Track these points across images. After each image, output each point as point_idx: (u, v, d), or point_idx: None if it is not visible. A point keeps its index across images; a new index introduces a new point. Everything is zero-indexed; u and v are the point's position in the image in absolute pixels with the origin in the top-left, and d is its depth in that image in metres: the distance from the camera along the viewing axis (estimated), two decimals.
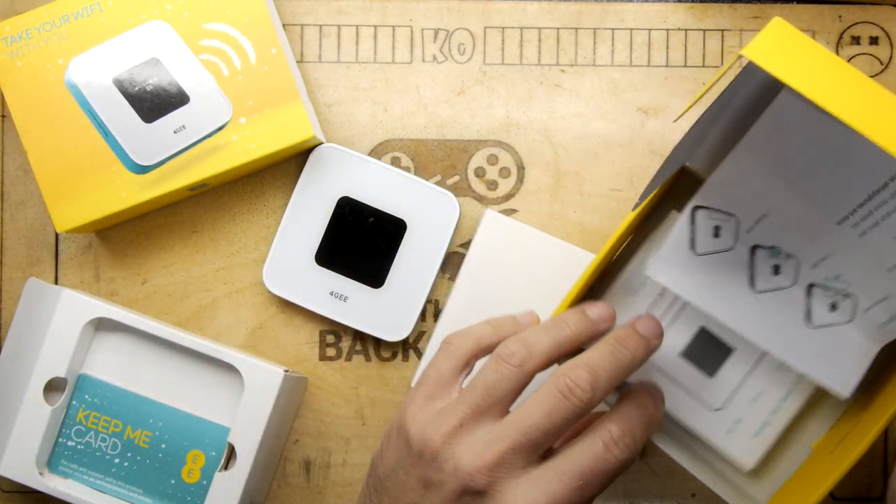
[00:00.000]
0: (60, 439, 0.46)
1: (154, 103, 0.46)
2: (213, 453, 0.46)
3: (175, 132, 0.46)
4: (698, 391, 0.43)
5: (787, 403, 0.42)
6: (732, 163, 0.41)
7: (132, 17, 0.46)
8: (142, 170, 0.46)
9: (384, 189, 0.49)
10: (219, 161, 0.46)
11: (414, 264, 0.49)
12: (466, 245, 0.50)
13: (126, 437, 0.46)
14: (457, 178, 0.50)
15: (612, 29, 0.50)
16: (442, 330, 0.48)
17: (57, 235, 0.50)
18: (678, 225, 0.42)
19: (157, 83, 0.46)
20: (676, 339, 0.43)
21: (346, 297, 0.49)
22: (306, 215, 0.49)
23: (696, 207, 0.41)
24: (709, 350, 0.43)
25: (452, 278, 0.50)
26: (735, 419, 0.42)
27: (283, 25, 0.50)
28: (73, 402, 0.46)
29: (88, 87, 0.46)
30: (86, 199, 0.46)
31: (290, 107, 0.46)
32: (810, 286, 0.40)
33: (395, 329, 0.49)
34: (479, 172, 0.50)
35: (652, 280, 0.42)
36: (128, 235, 0.50)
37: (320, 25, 0.50)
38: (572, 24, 0.50)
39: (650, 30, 0.50)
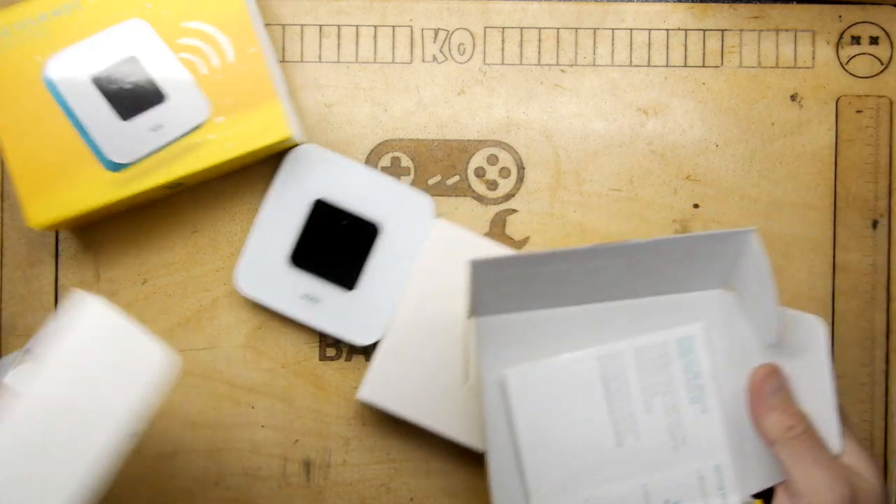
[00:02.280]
0: None
1: (131, 101, 0.46)
2: None
3: (152, 130, 0.46)
4: None
5: None
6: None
7: (111, 16, 0.46)
8: (118, 167, 0.46)
9: (359, 191, 0.49)
10: (196, 159, 0.46)
11: (387, 267, 0.49)
12: None
13: None
14: (457, 178, 0.50)
15: (612, 29, 0.51)
16: (391, 340, 0.48)
17: (57, 235, 0.50)
18: None
19: (135, 81, 0.46)
20: None
21: (318, 298, 0.49)
22: (281, 217, 0.49)
23: None
24: None
25: None
26: None
27: (284, 25, 0.50)
28: None
29: (66, 85, 0.46)
30: (61, 195, 0.46)
31: (268, 106, 0.46)
32: None
33: (365, 332, 0.49)
34: (479, 172, 0.50)
35: None
36: (128, 235, 0.50)
37: (320, 25, 0.50)
38: (572, 24, 0.50)
39: (650, 30, 0.50)
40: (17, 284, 0.50)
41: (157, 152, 0.46)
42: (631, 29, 0.50)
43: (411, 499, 0.50)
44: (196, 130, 0.46)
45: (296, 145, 0.49)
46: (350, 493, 0.50)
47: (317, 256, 0.48)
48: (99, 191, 0.46)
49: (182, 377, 0.50)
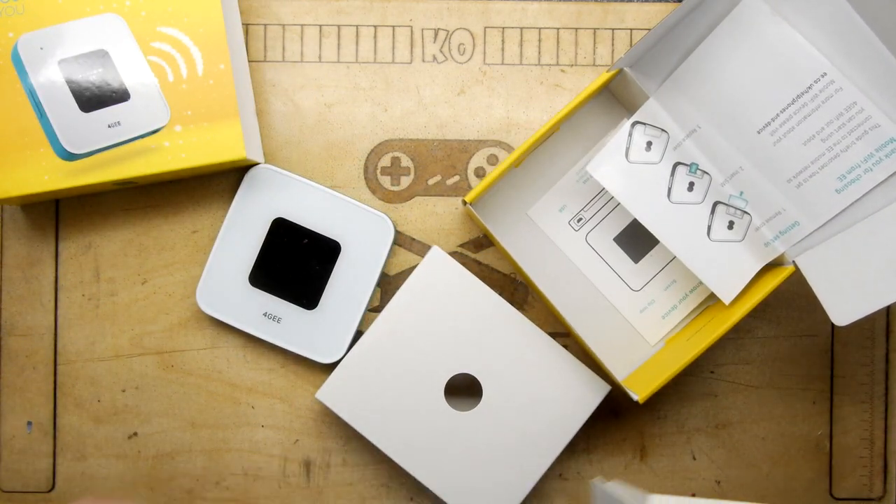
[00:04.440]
0: None
1: (94, 94, 0.46)
2: None
3: (109, 126, 0.46)
4: (624, 273, 0.49)
5: (693, 295, 0.49)
6: (673, 81, 0.46)
7: (90, 6, 0.46)
8: (70, 157, 0.46)
9: (319, 211, 0.49)
10: (147, 163, 0.46)
11: (348, 286, 0.49)
12: (406, 272, 0.50)
13: None
14: (457, 178, 0.50)
15: (612, 29, 0.51)
16: (361, 349, 0.48)
17: (57, 235, 0.50)
18: (618, 134, 0.47)
19: (102, 75, 0.46)
20: (613, 225, 0.49)
21: (279, 318, 0.49)
22: (240, 235, 0.49)
23: (635, 122, 0.47)
24: (637, 239, 0.49)
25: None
26: (649, 301, 0.49)
27: (284, 25, 0.50)
28: None
29: (32, 66, 0.46)
30: (7, 173, 0.46)
31: (228, 125, 0.46)
32: (715, 204, 0.47)
33: (328, 351, 0.49)
34: (479, 172, 0.50)
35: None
36: (128, 235, 0.50)
37: (320, 25, 0.51)
38: (572, 24, 0.51)
39: (650, 30, 0.50)
40: (17, 284, 0.50)
41: (110, 149, 0.46)
42: (631, 29, 0.50)
43: (411, 499, 0.50)
44: (152, 135, 0.46)
45: (254, 164, 0.49)
46: (350, 493, 0.50)
47: (277, 276, 0.49)
48: (47, 176, 0.46)
49: (182, 377, 0.50)
